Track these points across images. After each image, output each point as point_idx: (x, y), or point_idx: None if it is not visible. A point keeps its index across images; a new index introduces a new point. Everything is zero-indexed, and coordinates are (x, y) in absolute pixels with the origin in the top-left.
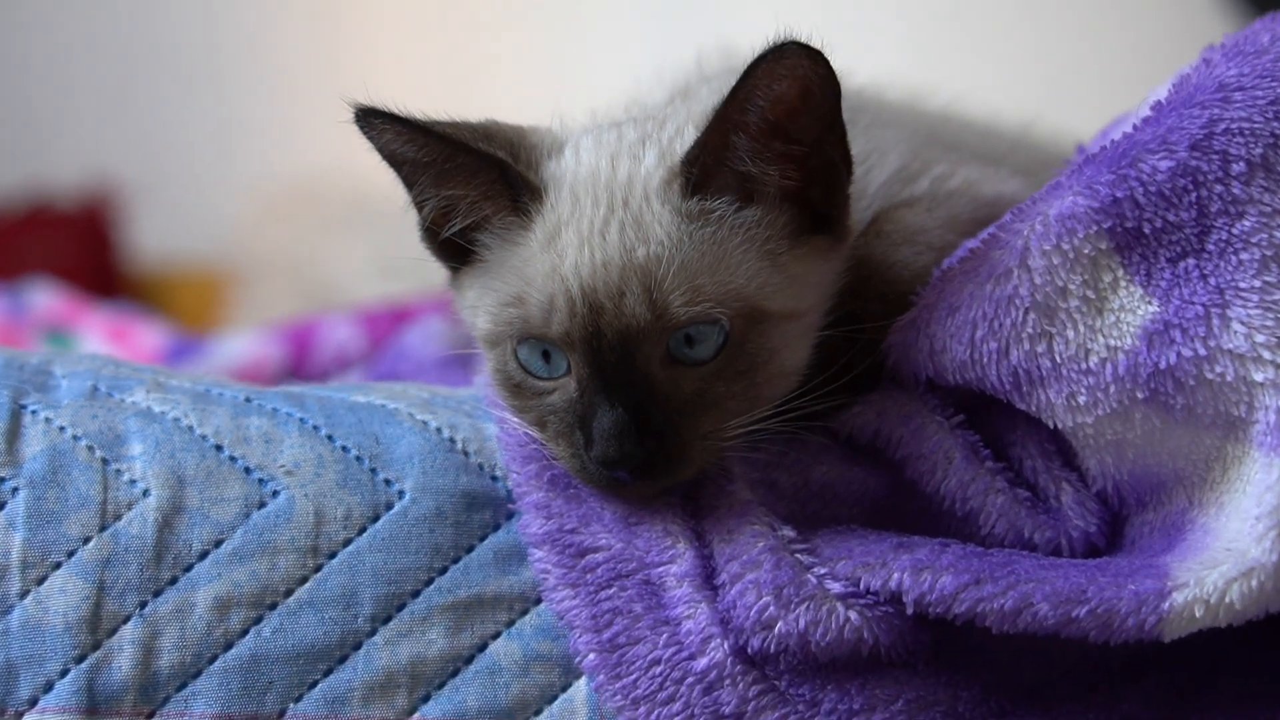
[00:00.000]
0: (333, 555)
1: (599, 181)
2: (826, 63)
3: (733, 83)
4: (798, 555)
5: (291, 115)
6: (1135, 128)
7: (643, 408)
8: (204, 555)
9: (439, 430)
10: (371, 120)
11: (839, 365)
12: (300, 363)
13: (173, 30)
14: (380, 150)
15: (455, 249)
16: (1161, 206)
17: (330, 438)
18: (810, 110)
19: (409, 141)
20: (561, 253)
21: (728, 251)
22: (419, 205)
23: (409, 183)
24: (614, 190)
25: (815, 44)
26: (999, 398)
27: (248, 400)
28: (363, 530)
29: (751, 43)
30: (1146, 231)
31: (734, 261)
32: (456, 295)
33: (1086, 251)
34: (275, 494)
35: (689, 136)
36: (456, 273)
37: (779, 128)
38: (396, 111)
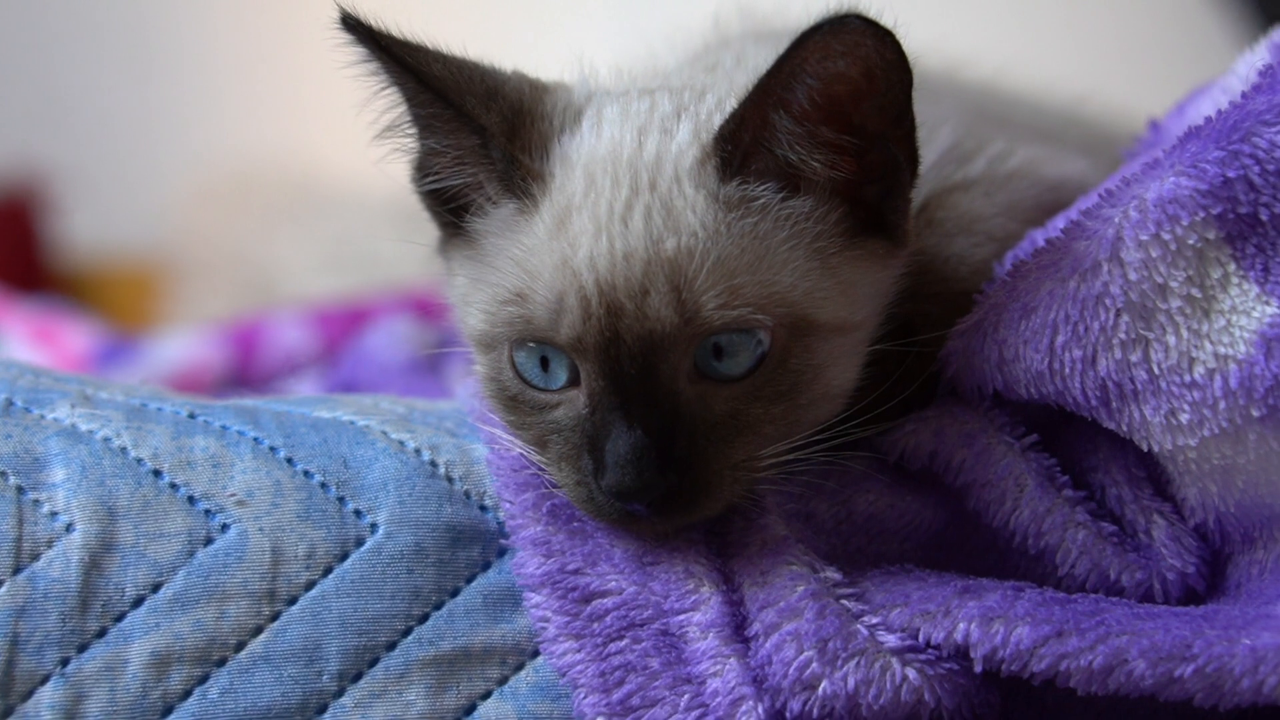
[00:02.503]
0: (293, 601)
1: (621, 158)
2: (896, 44)
3: (779, 50)
4: (844, 601)
5: (232, 96)
6: (1245, 96)
7: (666, 430)
8: (139, 602)
9: (418, 451)
10: (352, 38)
11: (891, 381)
12: (245, 367)
13: (102, 7)
14: (371, 72)
15: (450, 208)
16: None
17: (290, 461)
18: (872, 98)
19: (385, 70)
20: (574, 241)
21: (771, 247)
22: (417, 138)
23: (404, 106)
24: (639, 169)
25: (884, 20)
26: (1081, 415)
27: (192, 416)
28: (328, 571)
29: (797, 7)
30: (1264, 218)
31: (778, 260)
32: (445, 271)
33: (1191, 242)
34: (224, 528)
35: (729, 109)
36: (447, 240)
37: (832, 112)
38: (381, 29)
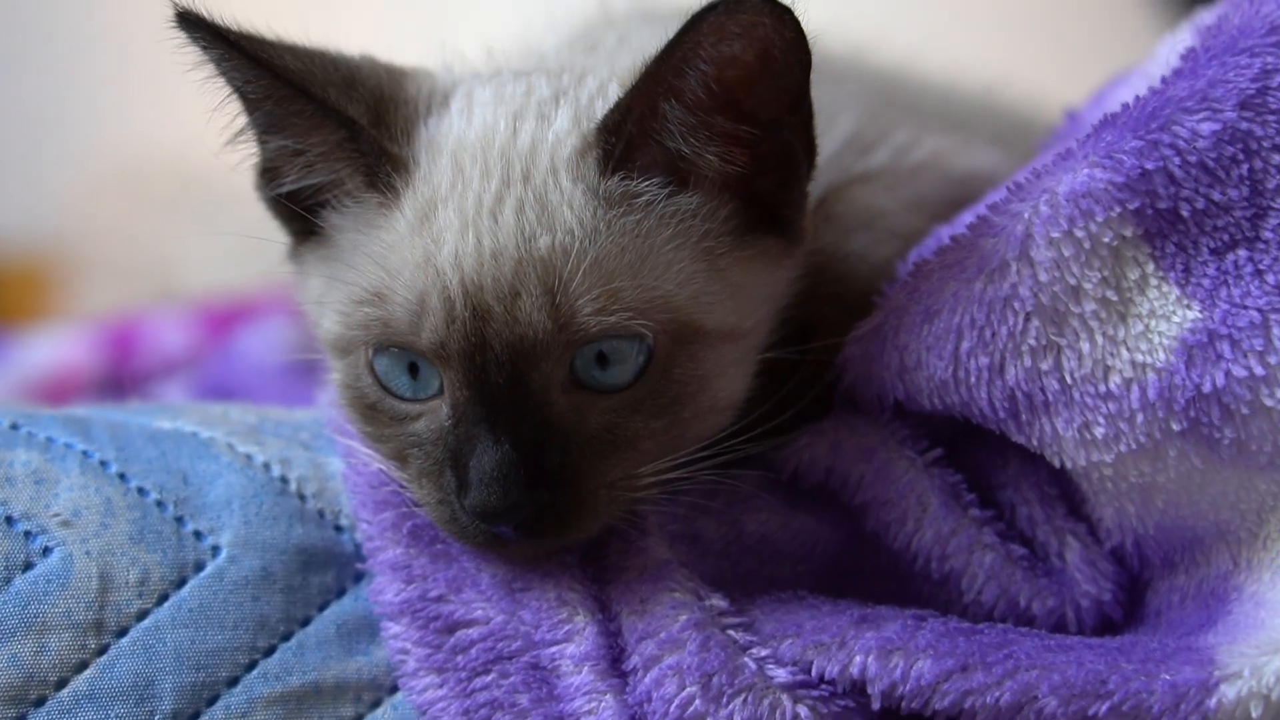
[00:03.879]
0: (123, 633)
1: (492, 146)
2: (796, 24)
3: (667, 32)
4: (731, 632)
5: (125, 81)
6: (1165, 81)
7: (536, 444)
8: None
9: (267, 466)
10: (193, 35)
11: (784, 391)
12: (120, 369)
13: None
14: (217, 73)
15: (298, 213)
16: (1204, 182)
17: (123, 476)
18: (768, 82)
19: (235, 69)
20: (438, 237)
21: (654, 247)
22: (257, 141)
23: (249, 110)
24: (511, 159)
25: None
26: (988, 428)
27: (14, 427)
28: (163, 599)
29: None
30: (1185, 214)
31: (662, 261)
32: (297, 276)
33: (1107, 240)
34: (46, 551)
35: (613, 97)
36: (298, 246)
37: (725, 99)
38: (222, 24)
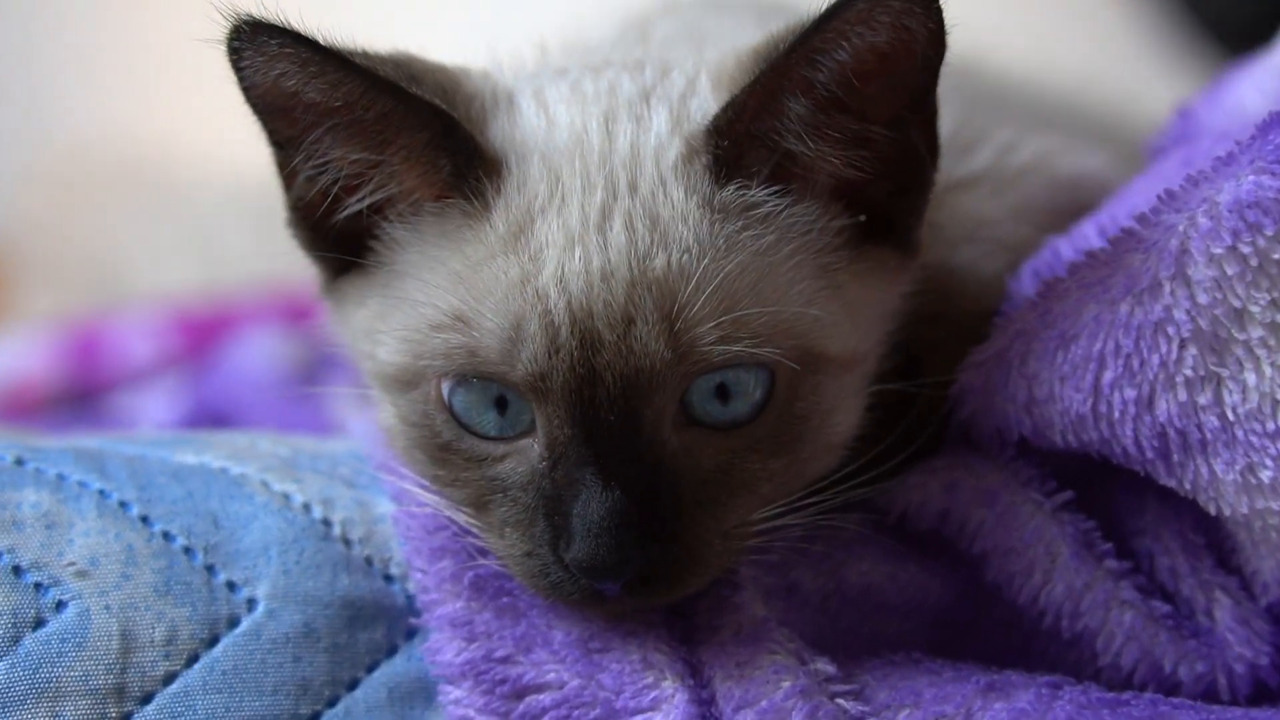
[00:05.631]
0: (147, 699)
1: (589, 152)
2: (940, 14)
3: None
4: (840, 701)
5: (67, 67)
6: None
7: (648, 490)
8: None
9: (306, 507)
10: (262, 40)
11: (903, 426)
12: (84, 379)
13: None
14: (257, 87)
15: (345, 241)
16: None
17: (145, 519)
18: (902, 77)
19: (316, 76)
20: (537, 254)
21: (775, 265)
22: (295, 171)
23: (292, 137)
24: (614, 167)
25: None
26: (1130, 468)
27: (19, 462)
28: (193, 660)
29: None
30: None
31: (784, 280)
32: (334, 311)
33: (1277, 256)
34: (60, 606)
35: (705, 93)
36: (334, 277)
37: (856, 95)
38: (301, 30)
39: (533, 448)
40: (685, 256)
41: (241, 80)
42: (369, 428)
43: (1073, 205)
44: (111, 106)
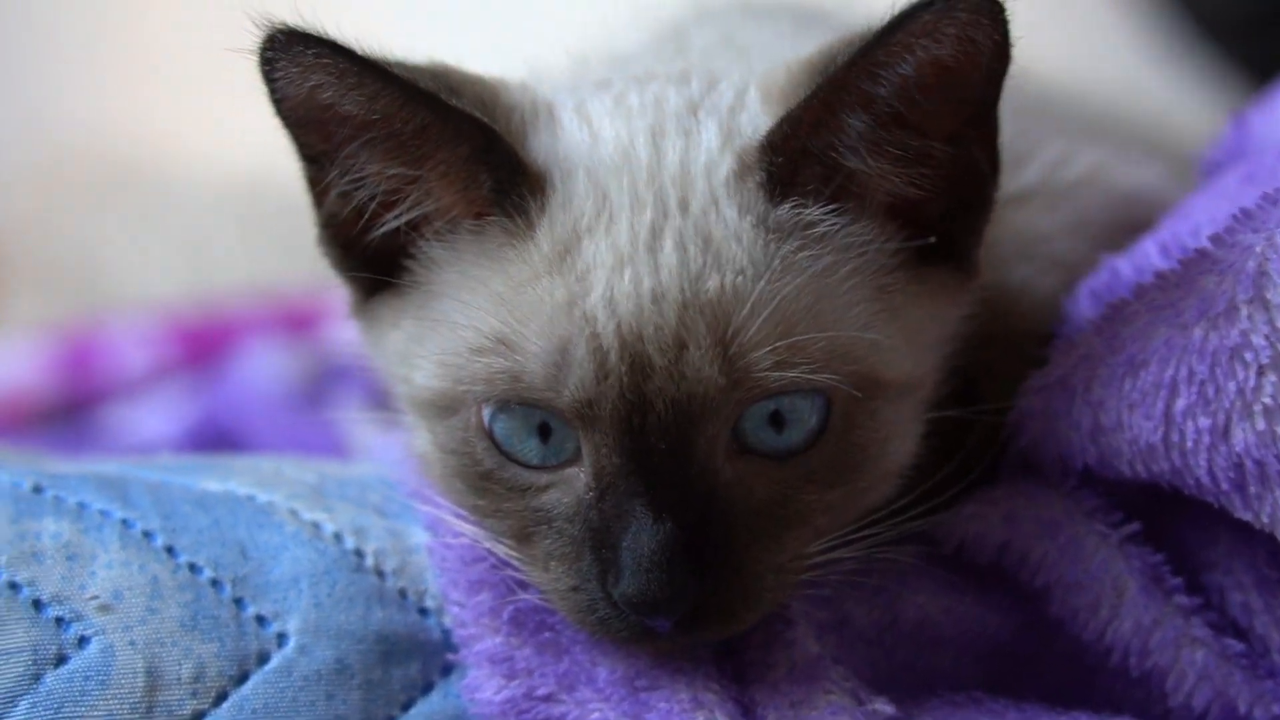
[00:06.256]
0: None
1: (637, 168)
2: (1007, 26)
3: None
4: None
5: (64, 66)
6: None
7: (700, 523)
8: None
9: (337, 537)
10: (298, 50)
11: (963, 454)
12: (78, 389)
13: None
14: (290, 99)
15: (378, 260)
16: None
17: (170, 550)
18: (965, 91)
19: (354, 88)
20: (584, 275)
21: (832, 286)
22: (327, 187)
23: (325, 151)
24: (664, 184)
25: None
26: (1202, 499)
27: (37, 490)
28: (222, 698)
29: None
30: None
31: (841, 302)
32: (366, 333)
33: None
34: (83, 642)
35: (755, 107)
36: (366, 297)
37: (917, 110)
38: (339, 39)
39: (579, 477)
40: (739, 278)
41: (274, 92)
42: (398, 453)
43: (1128, 221)
44: (100, 108)
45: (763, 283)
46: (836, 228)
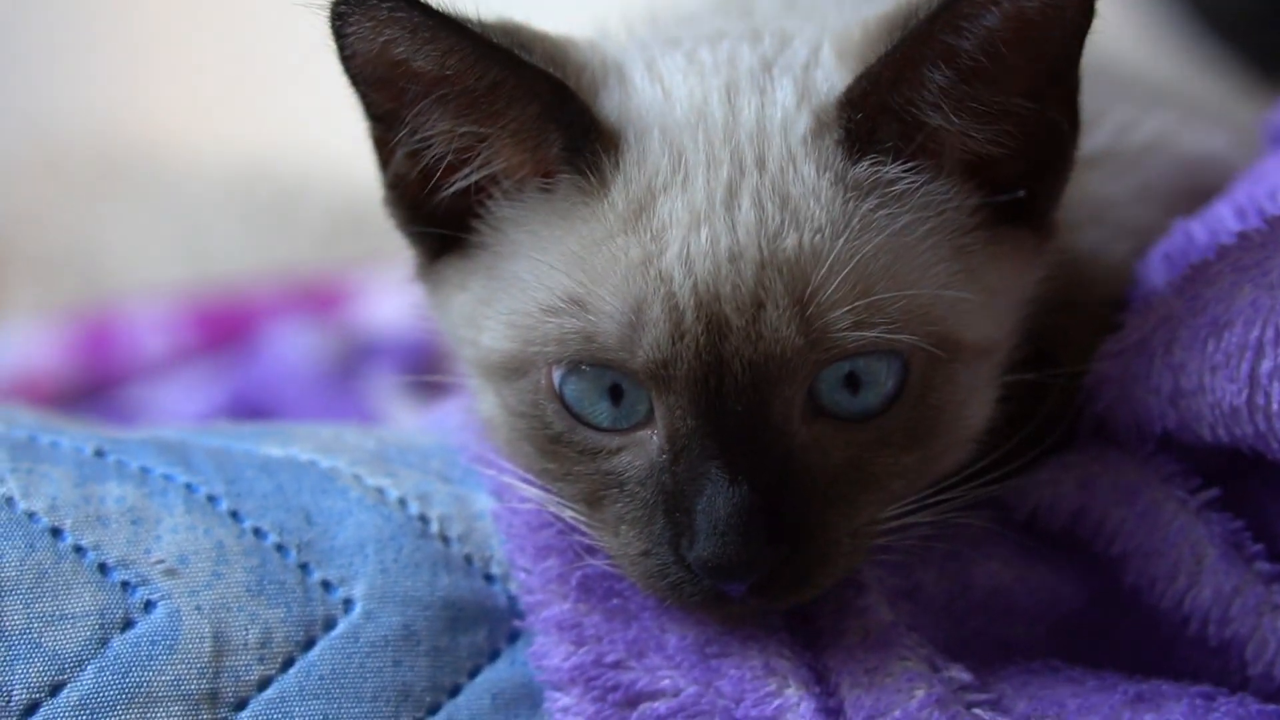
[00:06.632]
0: (241, 705)
1: (712, 126)
2: None
3: None
4: (978, 711)
5: (62, 56)
6: None
7: (776, 486)
8: (32, 710)
9: (402, 502)
10: (371, 4)
11: (1040, 418)
12: (97, 372)
13: None
14: (360, 55)
15: (445, 220)
16: None
17: (235, 515)
18: (1047, 47)
19: (427, 43)
20: (659, 234)
21: (911, 246)
22: (394, 147)
23: (394, 110)
24: (740, 141)
25: None
26: None
27: (100, 454)
28: (289, 664)
29: None
30: None
31: (920, 262)
32: (431, 296)
33: None
34: (149, 606)
35: (830, 64)
36: (431, 260)
37: (1001, 65)
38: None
39: (652, 440)
40: (818, 236)
41: (343, 49)
42: (455, 419)
43: (1197, 186)
44: (98, 98)
45: (841, 241)
46: (915, 186)
